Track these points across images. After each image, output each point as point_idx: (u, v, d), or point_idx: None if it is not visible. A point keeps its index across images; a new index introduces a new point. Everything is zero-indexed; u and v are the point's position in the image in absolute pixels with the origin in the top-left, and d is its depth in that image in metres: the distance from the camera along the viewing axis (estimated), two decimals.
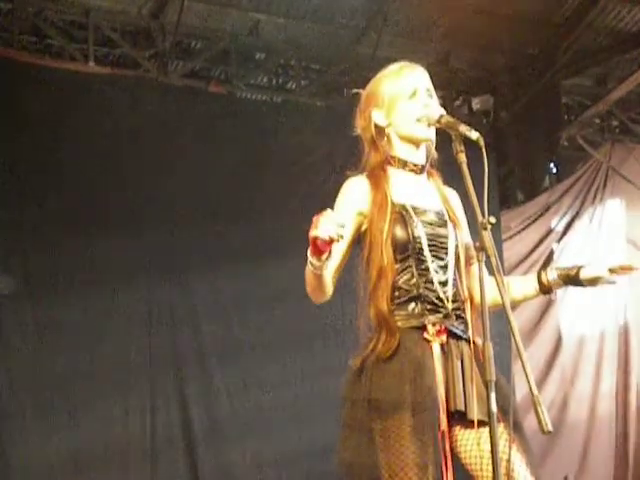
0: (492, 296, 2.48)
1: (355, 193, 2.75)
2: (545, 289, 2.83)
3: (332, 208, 2.61)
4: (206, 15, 6.29)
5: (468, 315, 2.67)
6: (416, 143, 2.81)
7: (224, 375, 5.89)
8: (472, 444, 2.62)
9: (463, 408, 2.59)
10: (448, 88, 7.05)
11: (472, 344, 2.64)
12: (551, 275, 2.82)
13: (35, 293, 5.53)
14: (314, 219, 2.42)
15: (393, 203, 2.72)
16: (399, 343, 2.61)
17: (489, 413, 2.35)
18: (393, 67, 2.88)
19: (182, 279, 5.89)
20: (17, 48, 5.82)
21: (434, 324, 2.64)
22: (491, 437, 2.34)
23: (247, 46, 6.57)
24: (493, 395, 2.36)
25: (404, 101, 2.80)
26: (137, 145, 5.83)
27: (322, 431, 5.88)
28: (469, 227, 2.82)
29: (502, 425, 2.49)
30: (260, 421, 5.85)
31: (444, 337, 2.64)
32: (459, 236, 2.77)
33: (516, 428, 2.56)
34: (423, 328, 2.64)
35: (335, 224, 2.40)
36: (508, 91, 7.34)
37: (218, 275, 5.95)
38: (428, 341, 2.63)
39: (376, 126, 2.84)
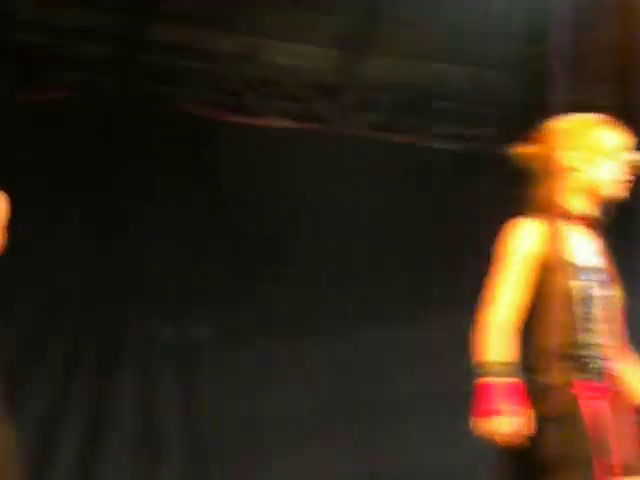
0: None
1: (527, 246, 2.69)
2: None
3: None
4: (389, 67, 6.37)
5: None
6: (597, 202, 2.77)
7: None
8: None
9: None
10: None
11: None
12: None
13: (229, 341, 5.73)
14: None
15: (570, 263, 2.68)
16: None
17: None
18: (599, 118, 2.80)
19: (350, 333, 5.91)
20: (213, 106, 6.10)
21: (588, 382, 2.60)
22: None
23: (432, 95, 6.60)
24: None
25: (605, 158, 2.74)
26: (317, 196, 5.98)
27: None
28: None
29: None
30: None
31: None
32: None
33: None
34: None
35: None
36: None
37: (386, 328, 5.93)
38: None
39: (565, 166, 2.77)
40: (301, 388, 5.75)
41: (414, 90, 6.52)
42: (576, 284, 2.63)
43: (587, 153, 2.73)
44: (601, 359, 2.62)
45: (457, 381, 5.69)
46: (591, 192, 2.72)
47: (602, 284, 2.68)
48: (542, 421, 2.53)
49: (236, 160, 5.83)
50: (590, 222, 2.76)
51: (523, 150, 2.86)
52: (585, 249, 2.72)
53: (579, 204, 2.74)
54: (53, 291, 5.41)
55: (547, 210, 2.74)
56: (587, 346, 2.60)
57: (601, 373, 2.62)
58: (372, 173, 6.06)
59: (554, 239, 2.67)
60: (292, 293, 5.79)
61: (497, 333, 2.52)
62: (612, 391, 2.61)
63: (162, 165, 5.78)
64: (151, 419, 5.52)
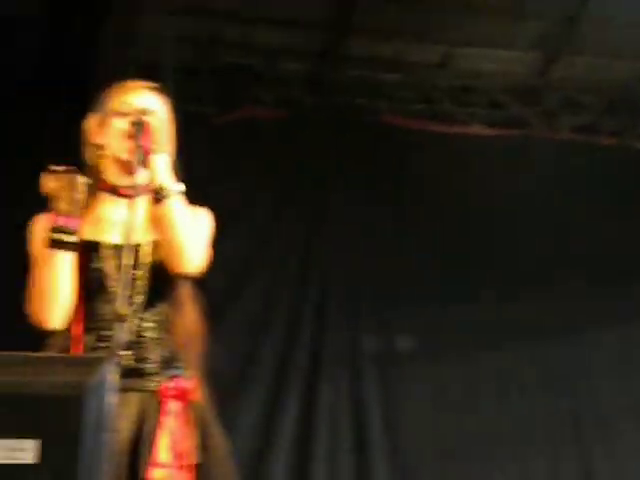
0: None
1: None
2: None
3: None
4: (593, 67, 6.16)
5: None
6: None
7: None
8: None
9: None
10: None
11: None
12: None
13: (429, 351, 5.68)
14: None
15: None
16: None
17: None
18: None
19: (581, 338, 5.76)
20: (409, 116, 6.10)
21: None
22: None
23: (637, 96, 6.34)
24: None
25: None
26: (521, 202, 5.86)
27: None
28: None
29: None
30: None
31: None
32: None
33: None
34: None
35: None
36: None
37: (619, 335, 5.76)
38: None
39: None
40: (513, 400, 5.65)
41: (618, 91, 6.26)
42: None
43: None
44: None
45: None
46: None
47: None
48: None
49: (440, 169, 5.80)
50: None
51: None
52: None
53: None
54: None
55: None
56: None
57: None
58: (577, 177, 5.87)
59: None
60: (497, 301, 5.69)
61: None
62: None
63: (364, 176, 5.81)
64: (357, 427, 5.53)
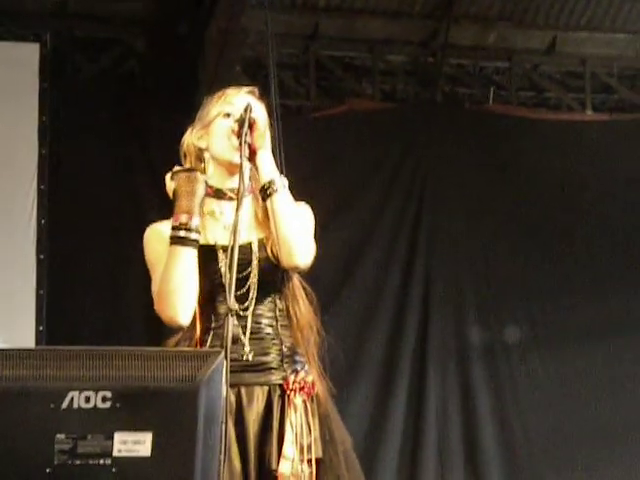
0: None
1: None
2: None
3: None
4: None
5: None
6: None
7: None
8: None
9: None
10: None
11: None
12: None
13: (541, 344, 5.59)
14: None
15: None
16: None
17: None
18: None
19: None
20: (514, 104, 6.01)
21: None
22: None
23: None
24: None
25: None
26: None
27: None
28: None
29: None
30: None
31: None
32: None
33: None
34: None
35: None
36: None
37: None
38: None
39: None
40: (612, 400, 5.52)
41: None
42: None
43: None
44: None
45: None
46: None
47: None
48: None
49: (547, 156, 5.71)
50: None
51: None
52: None
53: None
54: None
55: None
56: None
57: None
58: None
59: None
60: (613, 294, 5.57)
61: None
62: None
63: (475, 165, 5.76)
64: (465, 424, 5.49)
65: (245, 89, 2.61)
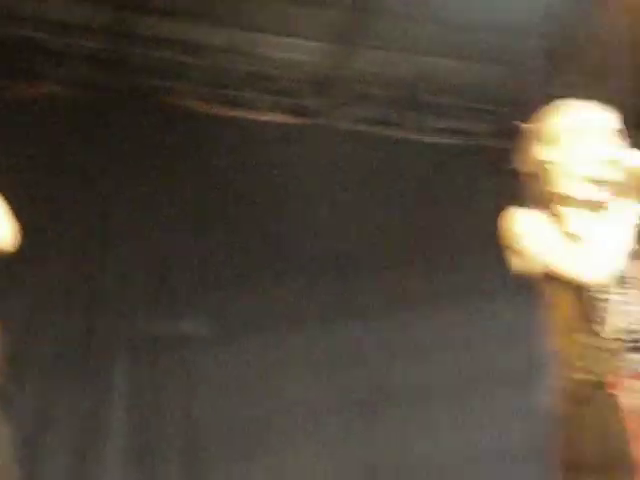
0: None
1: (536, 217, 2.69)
2: None
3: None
4: (381, 61, 6.33)
5: None
6: (593, 181, 2.73)
7: (406, 418, 5.83)
8: None
9: None
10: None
11: None
12: None
13: (230, 336, 5.67)
14: None
15: (571, 233, 2.68)
16: (589, 395, 2.49)
17: None
18: (568, 104, 2.80)
19: (368, 323, 5.91)
20: (195, 99, 6.04)
21: (616, 373, 2.52)
22: None
23: (425, 90, 6.57)
24: None
25: (575, 139, 2.72)
26: (315, 192, 5.94)
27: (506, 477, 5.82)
28: None
29: None
30: (442, 466, 5.76)
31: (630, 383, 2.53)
32: None
33: None
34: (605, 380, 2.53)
35: None
36: None
37: (402, 319, 5.95)
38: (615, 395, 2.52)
39: (543, 162, 2.76)
40: (297, 383, 5.71)
41: (406, 84, 6.47)
42: None
43: (557, 141, 2.77)
44: None
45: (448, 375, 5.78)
46: (580, 176, 2.70)
47: None
48: None
49: (229, 154, 5.79)
50: (593, 205, 2.71)
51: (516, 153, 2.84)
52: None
53: (575, 190, 2.71)
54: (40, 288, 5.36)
55: (546, 201, 2.71)
56: None
57: None
58: (364, 168, 6.03)
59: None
60: (282, 288, 5.74)
61: None
62: None
63: (156, 159, 5.73)
64: (146, 417, 5.45)
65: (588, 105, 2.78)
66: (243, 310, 5.67)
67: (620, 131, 2.77)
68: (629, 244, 2.60)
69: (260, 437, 5.53)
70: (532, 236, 2.65)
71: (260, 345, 5.68)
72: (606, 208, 2.60)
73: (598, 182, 2.69)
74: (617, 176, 2.61)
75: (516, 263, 2.69)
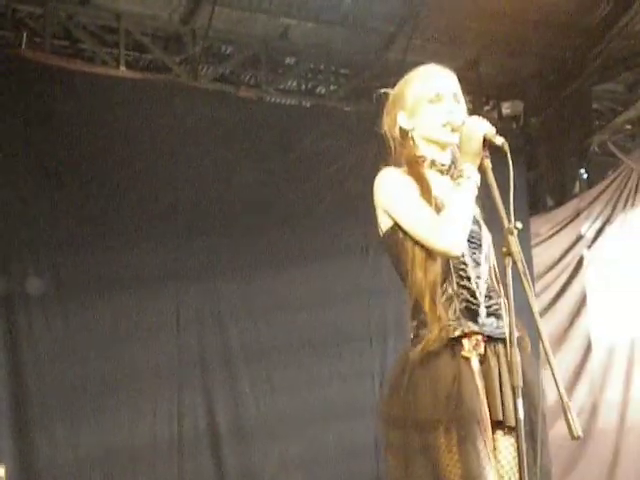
0: None
1: (406, 180, 2.74)
2: None
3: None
4: (236, 20, 6.31)
5: (504, 313, 2.61)
6: (441, 146, 2.82)
7: (251, 379, 5.90)
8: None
9: (501, 417, 2.57)
10: (478, 93, 7.02)
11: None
12: None
13: (64, 296, 5.55)
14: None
15: (435, 196, 2.71)
16: (438, 353, 2.61)
17: (516, 420, 2.34)
18: (420, 69, 2.89)
19: (210, 284, 5.91)
20: (48, 52, 5.85)
21: (470, 335, 2.61)
22: (518, 445, 2.33)
23: (277, 51, 6.59)
24: (520, 401, 2.35)
25: (428, 105, 2.81)
26: (166, 149, 5.85)
27: (348, 434, 5.99)
28: (497, 233, 2.80)
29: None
30: (286, 424, 5.86)
31: (481, 348, 2.62)
32: (489, 234, 2.78)
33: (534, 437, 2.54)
34: (460, 341, 2.61)
35: None
36: (538, 96, 7.32)
37: (245, 280, 5.97)
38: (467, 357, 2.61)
39: (401, 128, 2.84)
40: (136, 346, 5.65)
41: (259, 44, 6.47)
42: None
43: (412, 108, 2.82)
44: (472, 295, 2.67)
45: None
46: (434, 142, 2.79)
47: None
48: None
49: (78, 109, 5.61)
50: (447, 169, 2.81)
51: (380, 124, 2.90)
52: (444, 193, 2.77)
53: (430, 153, 2.80)
54: None
55: (408, 163, 2.79)
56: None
57: (472, 313, 2.65)
58: (219, 126, 6.00)
59: (421, 182, 2.74)
60: (141, 246, 5.67)
61: None
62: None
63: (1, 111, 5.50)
64: None
65: (441, 70, 2.84)
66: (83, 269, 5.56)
67: (462, 96, 2.87)
68: (472, 210, 2.72)
69: (87, 399, 5.45)
70: (398, 195, 2.71)
71: (100, 306, 5.58)
72: (458, 174, 2.70)
73: (446, 144, 2.80)
74: (462, 141, 2.71)
75: (381, 223, 2.74)
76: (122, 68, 6.08)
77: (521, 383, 2.35)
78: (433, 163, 2.80)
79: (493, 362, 2.62)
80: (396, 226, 2.72)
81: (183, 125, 5.90)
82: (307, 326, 5.96)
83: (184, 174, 5.87)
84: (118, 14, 6.13)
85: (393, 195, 2.72)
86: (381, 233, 2.76)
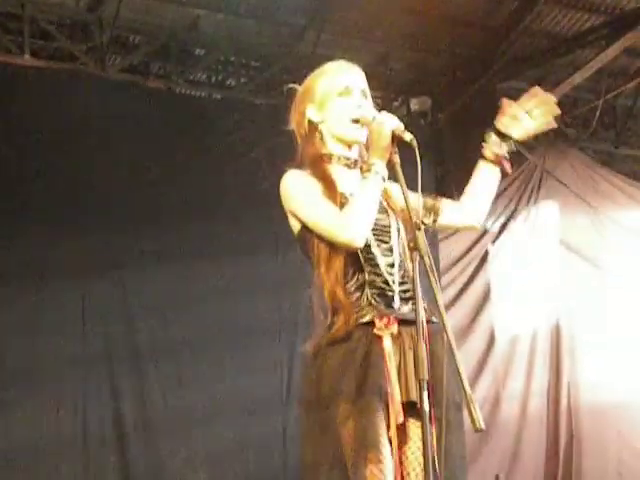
0: None
1: (308, 181, 2.77)
2: (493, 159, 3.18)
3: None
4: (145, 9, 6.21)
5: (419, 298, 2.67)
6: (348, 143, 2.84)
7: (158, 372, 5.86)
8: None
9: (414, 397, 2.61)
10: (386, 89, 7.09)
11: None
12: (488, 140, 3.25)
13: None
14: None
15: (341, 193, 2.75)
16: (349, 335, 2.62)
17: (422, 412, 2.38)
18: (329, 64, 2.91)
19: (117, 276, 5.84)
20: None
21: (382, 316, 2.65)
22: (423, 435, 2.37)
23: (186, 41, 6.52)
24: (425, 394, 2.39)
25: (337, 97, 2.83)
26: (72, 140, 5.74)
27: (257, 429, 6.00)
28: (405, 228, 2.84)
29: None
30: (193, 419, 5.84)
31: (395, 327, 2.66)
32: (400, 222, 2.82)
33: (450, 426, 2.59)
34: (372, 322, 2.66)
35: None
36: (445, 93, 7.42)
37: (152, 272, 5.92)
38: (379, 335, 2.65)
39: (309, 122, 2.86)
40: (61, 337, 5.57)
41: (168, 34, 6.39)
42: None
43: (321, 102, 2.85)
44: (384, 282, 2.73)
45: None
46: (341, 138, 2.82)
47: None
48: None
49: None
50: (353, 163, 2.83)
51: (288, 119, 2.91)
52: (352, 185, 2.79)
53: (337, 149, 2.82)
54: None
55: (312, 162, 2.81)
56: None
57: (385, 298, 2.71)
58: (127, 117, 5.90)
59: (325, 180, 2.76)
60: (45, 239, 5.57)
61: None
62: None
63: None
64: None
65: (350, 66, 2.87)
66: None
67: (369, 93, 2.90)
68: (377, 204, 2.75)
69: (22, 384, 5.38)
70: (301, 197, 2.73)
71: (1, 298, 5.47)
72: (366, 169, 2.73)
73: (353, 142, 2.83)
74: (370, 136, 2.75)
75: (292, 226, 2.77)
76: (26, 56, 5.94)
77: (427, 376, 2.39)
78: (339, 158, 2.83)
79: (408, 343, 2.66)
80: (304, 227, 2.75)
81: (90, 115, 5.79)
82: (216, 319, 5.93)
83: (89, 165, 5.76)
84: (22, 1, 5.99)
85: (296, 198, 2.77)
86: (294, 235, 2.79)
